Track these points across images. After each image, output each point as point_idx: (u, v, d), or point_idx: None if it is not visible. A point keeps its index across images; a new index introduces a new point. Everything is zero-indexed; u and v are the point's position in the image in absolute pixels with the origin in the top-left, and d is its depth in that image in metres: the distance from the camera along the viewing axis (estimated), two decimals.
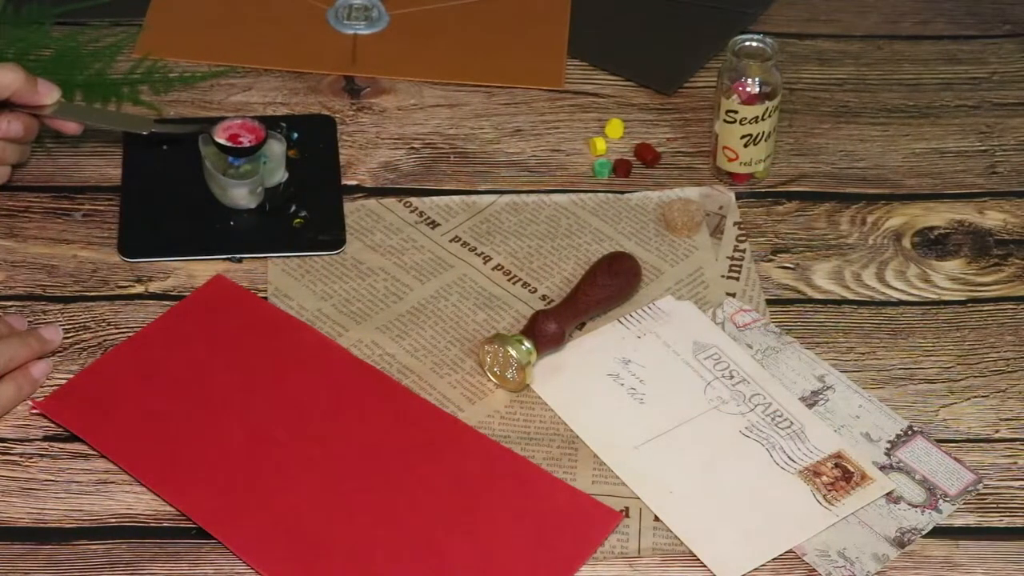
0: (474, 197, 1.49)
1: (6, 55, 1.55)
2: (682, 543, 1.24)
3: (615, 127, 1.55)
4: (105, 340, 1.36)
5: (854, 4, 1.70)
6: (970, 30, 1.68)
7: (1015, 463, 1.30)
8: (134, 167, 1.49)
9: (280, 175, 1.47)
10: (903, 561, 1.24)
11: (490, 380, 1.34)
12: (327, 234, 1.44)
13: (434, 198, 1.49)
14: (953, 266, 1.45)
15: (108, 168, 1.49)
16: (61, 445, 1.29)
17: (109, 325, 1.37)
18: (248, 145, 1.42)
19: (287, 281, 1.41)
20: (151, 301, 1.39)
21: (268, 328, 1.37)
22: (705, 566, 1.23)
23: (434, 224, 1.46)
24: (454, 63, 1.61)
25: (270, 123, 1.47)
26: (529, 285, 1.42)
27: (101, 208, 1.46)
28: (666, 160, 1.53)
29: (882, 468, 1.29)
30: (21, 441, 1.29)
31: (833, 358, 1.37)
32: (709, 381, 1.34)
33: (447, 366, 1.35)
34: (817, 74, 1.63)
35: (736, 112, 1.46)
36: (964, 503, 1.27)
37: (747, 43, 1.47)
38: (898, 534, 1.25)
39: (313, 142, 1.51)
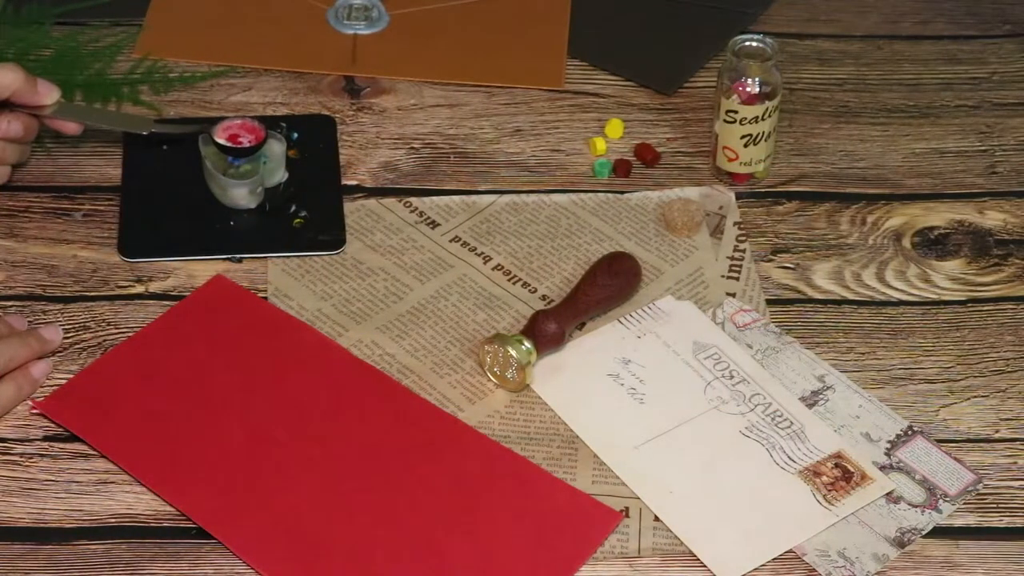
0: (474, 197, 1.49)
1: (6, 55, 1.55)
2: (682, 543, 1.24)
3: (615, 127, 1.55)
4: (105, 340, 1.36)
5: (854, 4, 1.70)
6: (970, 30, 1.68)
7: (1015, 463, 1.30)
8: (134, 167, 1.49)
9: (280, 175, 1.47)
10: (903, 561, 1.24)
11: (490, 380, 1.34)
12: (327, 234, 1.44)
13: (434, 198, 1.49)
14: (953, 266, 1.45)
15: (108, 168, 1.49)
16: (61, 445, 1.29)
17: (109, 325, 1.37)
18: (248, 145, 1.42)
19: (287, 281, 1.41)
20: (151, 301, 1.39)
21: (268, 328, 1.37)
22: (705, 566, 1.23)
23: (434, 224, 1.46)
24: (454, 63, 1.61)
25: (270, 123, 1.47)
26: (529, 285, 1.42)
27: (101, 208, 1.46)
28: (666, 160, 1.53)
29: (882, 468, 1.29)
30: (21, 441, 1.29)
31: (833, 358, 1.37)
32: (709, 381, 1.34)
33: (447, 366, 1.35)
34: (817, 74, 1.63)
35: (736, 112, 1.46)
36: (964, 503, 1.27)
37: (747, 43, 1.47)
38: (898, 534, 1.25)
39: (313, 142, 1.51)
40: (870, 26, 1.68)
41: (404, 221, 1.46)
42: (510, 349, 1.32)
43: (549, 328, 1.33)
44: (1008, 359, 1.38)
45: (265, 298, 1.39)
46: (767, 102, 1.46)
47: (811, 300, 1.42)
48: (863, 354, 1.37)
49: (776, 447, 1.30)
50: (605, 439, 1.30)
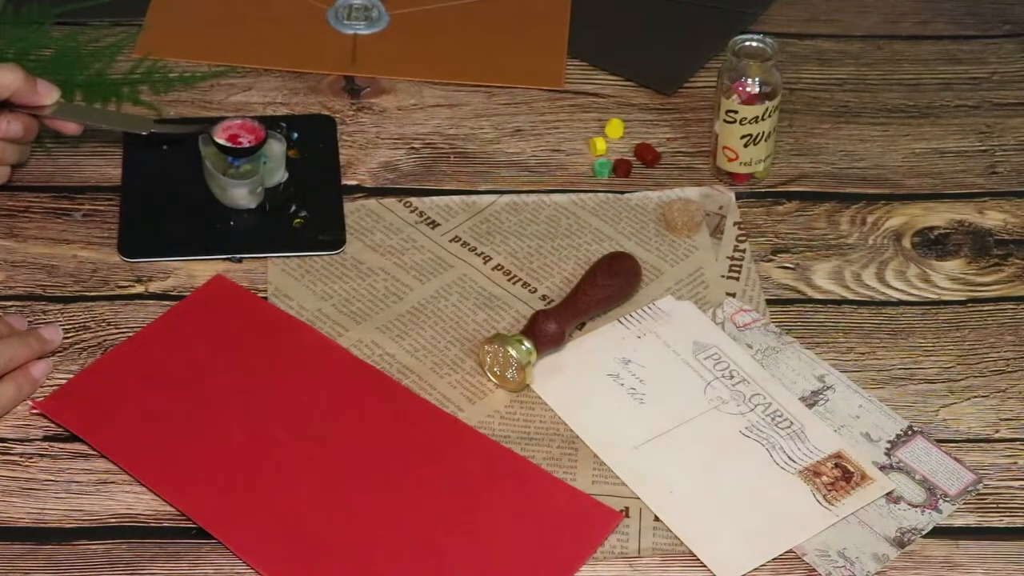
0: (474, 197, 1.49)
1: (6, 55, 1.55)
2: (682, 543, 1.24)
3: (615, 127, 1.55)
4: (105, 340, 1.36)
5: (854, 4, 1.70)
6: (970, 30, 1.68)
7: (1015, 463, 1.30)
8: (134, 167, 1.49)
9: (280, 175, 1.47)
10: (903, 561, 1.24)
11: (490, 380, 1.34)
12: (327, 234, 1.44)
13: (434, 198, 1.49)
14: (953, 266, 1.45)
15: (108, 168, 1.49)
16: (61, 445, 1.29)
17: (109, 325, 1.37)
18: (248, 145, 1.42)
19: (287, 281, 1.41)
20: (151, 301, 1.39)
21: (268, 328, 1.37)
22: (705, 566, 1.23)
23: (434, 224, 1.46)
24: (454, 63, 1.61)
25: (270, 123, 1.47)
26: (529, 285, 1.42)
27: (101, 208, 1.46)
28: (666, 160, 1.53)
29: (882, 468, 1.29)
30: (21, 441, 1.29)
31: (833, 358, 1.37)
32: (709, 381, 1.34)
33: (447, 366, 1.35)
34: (817, 74, 1.63)
35: (736, 112, 1.46)
36: (964, 503, 1.27)
37: (747, 43, 1.47)
38: (898, 534, 1.25)
39: (313, 142, 1.51)
40: (870, 26, 1.68)
41: (404, 221, 1.46)
42: (510, 349, 1.32)
43: (549, 328, 1.33)
44: (1008, 359, 1.38)
45: (265, 298, 1.39)
46: (767, 102, 1.46)
47: (811, 300, 1.42)
48: (863, 354, 1.37)
49: (776, 447, 1.30)
50: (605, 439, 1.30)
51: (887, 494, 1.27)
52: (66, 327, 1.36)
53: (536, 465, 1.28)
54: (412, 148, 1.53)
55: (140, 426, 1.29)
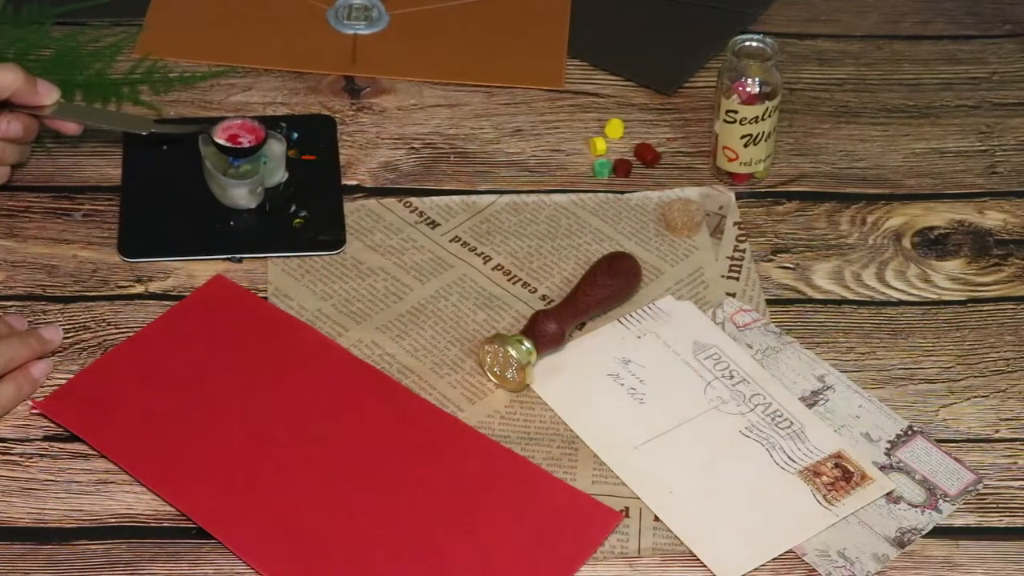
0: (474, 197, 1.49)
1: (6, 55, 1.55)
2: (682, 543, 1.24)
3: (615, 127, 1.55)
4: (105, 340, 1.36)
5: (854, 4, 1.70)
6: (970, 30, 1.68)
7: (1015, 463, 1.30)
8: (134, 167, 1.49)
9: (280, 175, 1.47)
10: (903, 561, 1.24)
11: (490, 380, 1.34)
12: (327, 234, 1.44)
13: (434, 198, 1.49)
14: (953, 266, 1.45)
15: (108, 168, 1.49)
16: (61, 445, 1.29)
17: (109, 325, 1.37)
18: (248, 145, 1.42)
19: (287, 281, 1.41)
20: (151, 301, 1.39)
21: (268, 328, 1.37)
22: (705, 566, 1.23)
23: (434, 224, 1.46)
24: (454, 63, 1.61)
25: (270, 123, 1.47)
26: (529, 285, 1.42)
27: (101, 208, 1.46)
28: (666, 160, 1.53)
29: (882, 468, 1.29)
30: (21, 441, 1.29)
31: (833, 358, 1.37)
32: (709, 381, 1.34)
33: (447, 366, 1.35)
34: (817, 74, 1.63)
35: (736, 112, 1.46)
36: (964, 503, 1.27)
37: (747, 43, 1.47)
38: (898, 534, 1.25)
39: (313, 142, 1.51)
40: (870, 26, 1.68)
41: (404, 221, 1.46)
42: (510, 349, 1.32)
43: (549, 328, 1.33)
44: (1008, 359, 1.38)
45: (265, 298, 1.39)
46: (767, 102, 1.46)
47: (811, 300, 1.42)
48: (863, 354, 1.37)
49: (776, 447, 1.30)
50: (605, 439, 1.30)
51: (887, 494, 1.27)
52: (66, 327, 1.36)
53: (536, 465, 1.28)
54: (412, 148, 1.53)
55: (140, 426, 1.29)
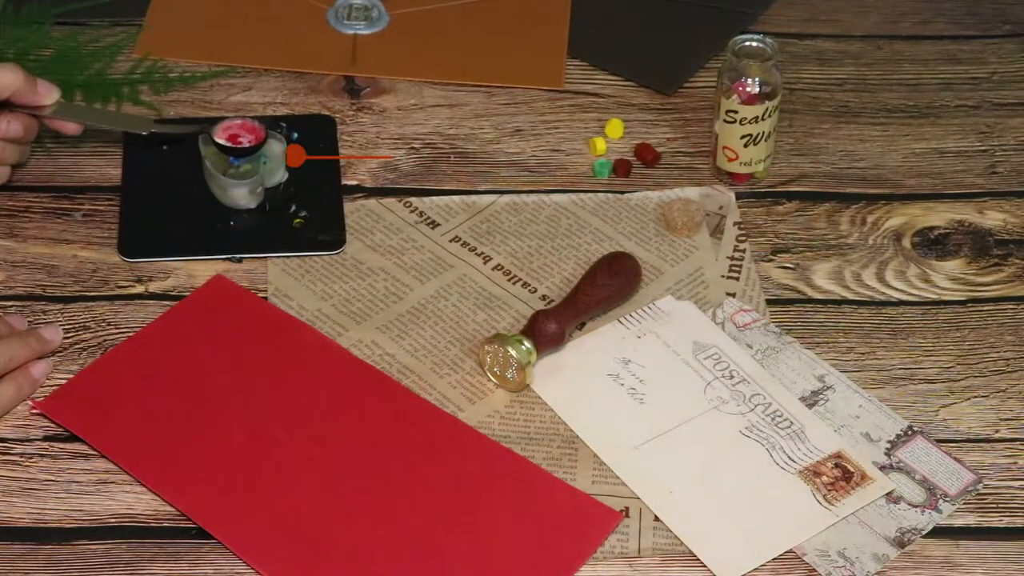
0: (474, 197, 1.49)
1: (6, 55, 1.55)
2: (682, 543, 1.24)
3: (615, 127, 1.55)
4: (105, 340, 1.36)
5: (854, 4, 1.70)
6: (970, 30, 1.68)
7: (1015, 463, 1.30)
8: (134, 167, 1.49)
9: (280, 175, 1.46)
10: (903, 561, 1.24)
11: (490, 380, 1.34)
12: (327, 234, 1.44)
13: (434, 198, 1.49)
14: (953, 266, 1.45)
15: (108, 168, 1.49)
16: (61, 445, 1.29)
17: (109, 325, 1.37)
18: (248, 145, 1.42)
19: (287, 281, 1.41)
20: (151, 301, 1.39)
21: (268, 328, 1.37)
22: (705, 566, 1.23)
23: (434, 224, 1.46)
24: (454, 63, 1.61)
25: (270, 123, 1.47)
26: (529, 285, 1.42)
27: (101, 208, 1.46)
28: (666, 160, 1.53)
29: (882, 468, 1.29)
30: (21, 441, 1.29)
31: (833, 358, 1.37)
32: (709, 381, 1.34)
33: (447, 366, 1.35)
34: (817, 74, 1.63)
35: (736, 112, 1.46)
36: (964, 503, 1.27)
37: (747, 43, 1.47)
38: (898, 534, 1.25)
39: (313, 142, 1.51)
40: (870, 26, 1.68)
41: (404, 221, 1.46)
42: (510, 349, 1.32)
43: (549, 328, 1.33)
44: (1008, 359, 1.38)
45: (265, 298, 1.39)
46: (767, 102, 1.46)
47: (811, 300, 1.42)
48: (863, 354, 1.37)
49: (776, 447, 1.30)
50: (605, 439, 1.30)
51: (887, 494, 1.27)
52: (66, 327, 1.36)
53: (536, 465, 1.28)
54: (412, 148, 1.53)
55: (140, 426, 1.29)
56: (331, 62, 1.61)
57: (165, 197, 1.46)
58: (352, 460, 1.27)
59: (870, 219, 1.49)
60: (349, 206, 1.47)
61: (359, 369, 1.34)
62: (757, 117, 1.46)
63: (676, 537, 1.24)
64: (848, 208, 1.50)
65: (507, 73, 1.60)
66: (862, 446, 1.30)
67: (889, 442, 1.31)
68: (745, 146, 1.48)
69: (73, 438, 1.29)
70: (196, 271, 1.41)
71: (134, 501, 1.25)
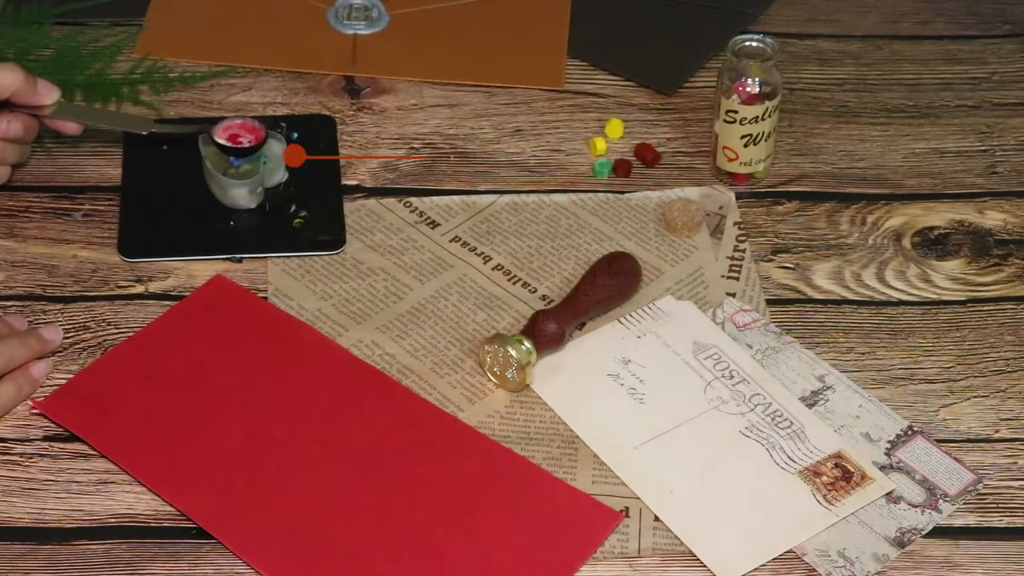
0: (474, 197, 1.49)
1: (6, 55, 1.55)
2: (682, 543, 1.24)
3: (615, 127, 1.55)
4: (105, 340, 1.36)
5: (854, 4, 1.70)
6: (970, 30, 1.68)
7: (1015, 463, 1.30)
8: (134, 167, 1.49)
9: (280, 175, 1.46)
10: (903, 561, 1.24)
11: (490, 380, 1.34)
12: (327, 234, 1.44)
13: (434, 198, 1.49)
14: (953, 266, 1.45)
15: (108, 168, 1.49)
16: (61, 445, 1.29)
17: (109, 325, 1.37)
18: (248, 145, 1.42)
19: (287, 281, 1.41)
20: (151, 301, 1.39)
21: (268, 328, 1.37)
22: (705, 566, 1.23)
23: (434, 224, 1.46)
24: (454, 63, 1.61)
25: (270, 123, 1.47)
26: (529, 285, 1.42)
27: (101, 208, 1.46)
28: (666, 160, 1.53)
29: (882, 468, 1.29)
30: (21, 441, 1.29)
31: (833, 358, 1.37)
32: (709, 381, 1.34)
33: (447, 366, 1.35)
34: (817, 74, 1.63)
35: (736, 112, 1.46)
36: (964, 503, 1.27)
37: (747, 43, 1.47)
38: (898, 534, 1.25)
39: (313, 142, 1.51)
40: (870, 26, 1.68)
41: (404, 221, 1.47)
42: (510, 349, 1.32)
43: (549, 328, 1.33)
44: (1008, 359, 1.38)
45: (265, 298, 1.39)
46: (767, 102, 1.46)
47: (811, 300, 1.42)
48: (863, 354, 1.37)
49: (776, 447, 1.30)
50: (605, 439, 1.30)
51: (887, 494, 1.27)
52: (66, 327, 1.36)
53: (536, 465, 1.28)
54: (412, 148, 1.53)
55: (140, 426, 1.29)
56: (331, 62, 1.61)
57: (165, 197, 1.46)
58: (352, 460, 1.27)
59: (870, 219, 1.49)
60: (349, 206, 1.47)
61: (359, 369, 1.34)
62: (757, 117, 1.46)
63: (676, 537, 1.24)
64: (848, 208, 1.50)
65: (507, 73, 1.60)
66: (862, 446, 1.30)
67: (889, 442, 1.31)
68: (745, 146, 1.48)
69: (73, 438, 1.29)
70: (196, 271, 1.41)
71: (134, 501, 1.25)
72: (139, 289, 1.40)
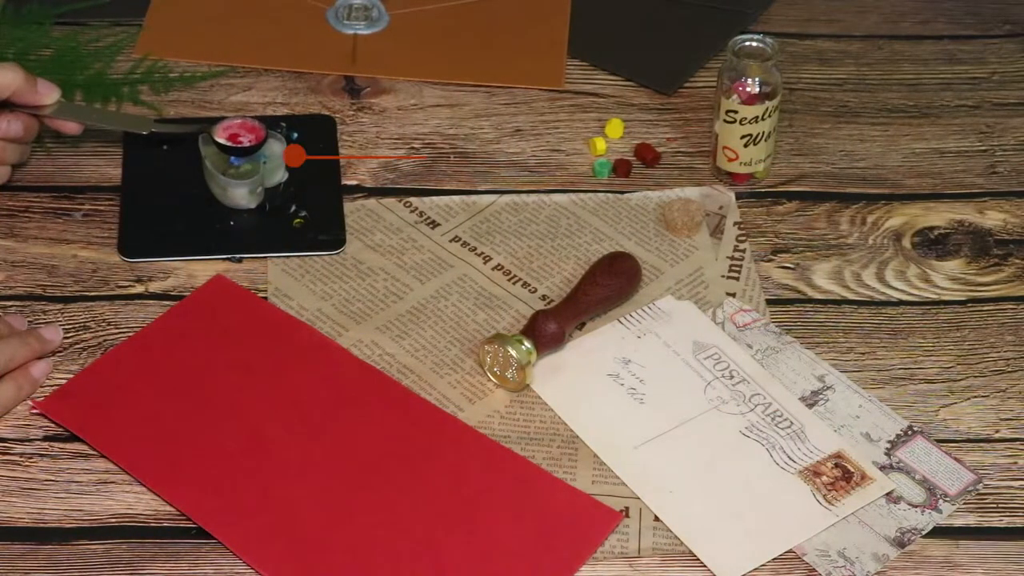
0: (474, 197, 1.49)
1: (6, 55, 1.56)
2: (682, 543, 1.24)
3: (615, 127, 1.55)
4: (105, 340, 1.36)
5: (854, 4, 1.70)
6: (970, 30, 1.68)
7: (1015, 463, 1.30)
8: (134, 167, 1.49)
9: (280, 175, 1.46)
10: (903, 561, 1.24)
11: (490, 380, 1.34)
12: (327, 234, 1.44)
13: (434, 198, 1.49)
14: (953, 266, 1.45)
15: (108, 168, 1.49)
16: (61, 445, 1.29)
17: (109, 325, 1.37)
18: (248, 145, 1.42)
19: (287, 281, 1.41)
20: (151, 301, 1.39)
21: (268, 328, 1.37)
22: (705, 566, 1.23)
23: (434, 224, 1.46)
24: (454, 63, 1.61)
25: (270, 123, 1.47)
26: (529, 285, 1.42)
27: (101, 208, 1.46)
28: (666, 160, 1.53)
29: (882, 468, 1.29)
30: (21, 441, 1.29)
31: (833, 358, 1.37)
32: (709, 381, 1.34)
33: (447, 366, 1.35)
34: (817, 74, 1.63)
35: (736, 112, 1.46)
36: (964, 503, 1.27)
37: (747, 43, 1.47)
38: (898, 534, 1.25)
39: (313, 142, 1.51)
40: (870, 26, 1.68)
41: (404, 221, 1.46)
42: (510, 349, 1.32)
43: (549, 328, 1.33)
44: (1008, 359, 1.38)
45: (265, 298, 1.39)
46: (767, 102, 1.46)
47: (811, 300, 1.42)
48: (863, 354, 1.37)
49: (776, 447, 1.30)
50: (605, 439, 1.30)
51: (887, 494, 1.27)
52: (66, 327, 1.36)
53: (536, 465, 1.28)
54: (412, 148, 1.53)
55: (140, 426, 1.29)
56: (331, 62, 1.61)
57: (165, 197, 1.46)
58: (352, 460, 1.27)
59: (870, 219, 1.49)
60: (349, 206, 1.47)
61: (359, 369, 1.34)
62: (757, 117, 1.46)
63: (676, 537, 1.24)
64: (848, 208, 1.50)
65: (507, 73, 1.60)
66: (862, 446, 1.30)
67: (889, 442, 1.31)
68: (745, 146, 1.48)
69: (73, 438, 1.29)
70: (196, 271, 1.41)
71: (134, 501, 1.25)
72: (139, 289, 1.40)
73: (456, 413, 1.31)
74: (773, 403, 1.32)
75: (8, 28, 1.59)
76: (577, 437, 1.30)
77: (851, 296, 1.42)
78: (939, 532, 1.25)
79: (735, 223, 1.47)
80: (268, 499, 1.25)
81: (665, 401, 1.33)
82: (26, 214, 1.46)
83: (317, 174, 1.49)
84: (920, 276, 1.44)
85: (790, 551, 1.24)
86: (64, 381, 1.32)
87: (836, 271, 1.44)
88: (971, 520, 1.26)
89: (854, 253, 1.46)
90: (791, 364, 1.36)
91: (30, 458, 1.28)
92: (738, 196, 1.50)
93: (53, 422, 1.30)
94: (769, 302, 1.41)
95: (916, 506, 1.27)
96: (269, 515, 1.24)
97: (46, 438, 1.29)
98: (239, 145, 1.42)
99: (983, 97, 1.61)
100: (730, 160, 1.49)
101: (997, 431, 1.32)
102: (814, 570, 1.23)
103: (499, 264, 1.43)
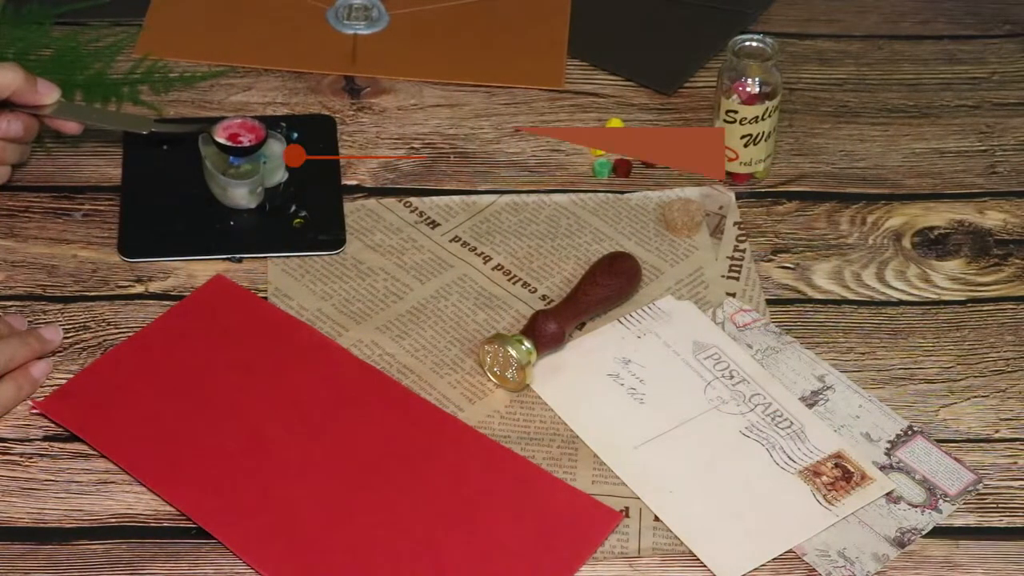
0: (474, 197, 1.49)
1: (6, 55, 1.55)
2: (682, 543, 1.24)
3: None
4: (105, 340, 1.36)
5: (854, 4, 1.70)
6: (970, 30, 1.68)
7: (1015, 463, 1.30)
8: (134, 167, 1.49)
9: (280, 175, 1.46)
10: (903, 561, 1.24)
11: (490, 380, 1.34)
12: (327, 234, 1.44)
13: (434, 198, 1.49)
14: (953, 266, 1.45)
15: (108, 168, 1.49)
16: (61, 445, 1.29)
17: (109, 325, 1.37)
18: (248, 145, 1.42)
19: (287, 281, 1.41)
20: (151, 301, 1.39)
21: (268, 328, 1.37)
22: (705, 566, 1.23)
23: (434, 224, 1.46)
24: (454, 63, 1.61)
25: (270, 123, 1.47)
26: (529, 285, 1.42)
27: (101, 208, 1.46)
28: None
29: (882, 468, 1.29)
30: (21, 441, 1.29)
31: (833, 358, 1.37)
32: (709, 381, 1.34)
33: (447, 366, 1.35)
34: (817, 74, 1.63)
35: (736, 112, 1.46)
36: (964, 503, 1.27)
37: (747, 43, 1.47)
38: (898, 534, 1.25)
39: (313, 142, 1.51)
40: (870, 26, 1.68)
41: (404, 221, 1.47)
42: (510, 349, 1.32)
43: (549, 328, 1.33)
44: (1008, 359, 1.38)
45: (265, 298, 1.39)
46: (767, 102, 1.46)
47: (811, 300, 1.42)
48: (863, 354, 1.37)
49: (776, 447, 1.30)
50: (605, 439, 1.30)
51: (887, 494, 1.27)
52: (66, 327, 1.36)
53: (536, 465, 1.28)
54: (412, 148, 1.53)
55: (140, 426, 1.29)
56: (331, 62, 1.61)
57: (165, 197, 1.46)
58: (352, 460, 1.27)
59: (870, 219, 1.49)
60: (349, 206, 1.47)
61: (359, 369, 1.34)
62: (757, 117, 1.46)
63: (676, 537, 1.24)
64: (848, 208, 1.50)
65: (507, 73, 1.60)
66: (862, 446, 1.30)
67: (889, 442, 1.31)
68: (745, 146, 1.48)
69: (73, 438, 1.29)
70: (196, 271, 1.41)
71: (134, 501, 1.25)
72: (139, 289, 1.40)
73: (456, 413, 1.31)
74: (773, 403, 1.32)
75: (8, 28, 1.59)
76: (577, 437, 1.30)
77: (851, 296, 1.42)
78: (939, 532, 1.25)
79: (735, 223, 1.47)
80: (268, 499, 1.25)
81: (665, 401, 1.33)
82: (26, 214, 1.46)
83: (317, 174, 1.49)
84: (920, 276, 1.44)
85: (790, 551, 1.24)
86: (64, 381, 1.32)
87: (836, 271, 1.44)
88: (971, 520, 1.26)
89: (854, 253, 1.46)
90: (791, 364, 1.36)
91: (30, 458, 1.28)
92: (738, 196, 1.50)
93: (53, 422, 1.30)
94: (769, 302, 1.41)
95: (916, 506, 1.27)
96: (269, 515, 1.24)
97: (46, 438, 1.29)
98: (239, 145, 1.42)
99: (983, 97, 1.61)
100: (730, 160, 1.49)
101: (997, 431, 1.32)
102: (814, 570, 1.23)
103: (499, 264, 1.43)
